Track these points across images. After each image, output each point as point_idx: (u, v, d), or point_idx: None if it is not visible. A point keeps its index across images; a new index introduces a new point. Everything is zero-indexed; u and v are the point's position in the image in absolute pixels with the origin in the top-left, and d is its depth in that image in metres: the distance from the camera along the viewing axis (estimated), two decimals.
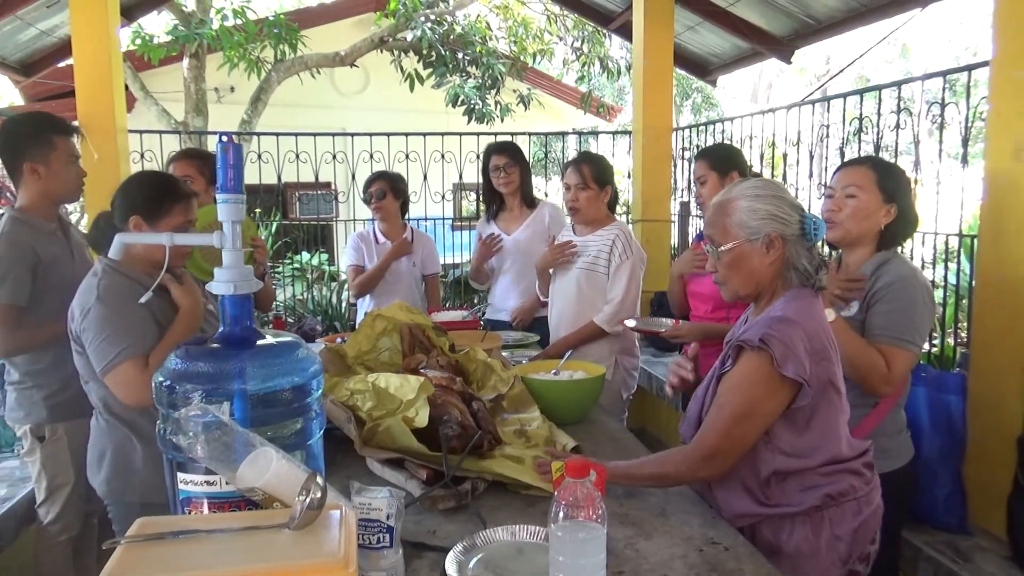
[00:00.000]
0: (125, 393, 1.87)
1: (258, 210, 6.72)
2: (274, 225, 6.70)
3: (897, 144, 3.15)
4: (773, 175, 4.48)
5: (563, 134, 7.24)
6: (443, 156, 5.21)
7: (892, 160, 2.37)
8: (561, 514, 1.03)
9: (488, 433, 1.76)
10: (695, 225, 4.86)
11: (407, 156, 4.99)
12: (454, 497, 1.55)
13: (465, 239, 7.52)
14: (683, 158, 5.12)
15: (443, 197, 5.38)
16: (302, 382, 1.30)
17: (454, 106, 7.55)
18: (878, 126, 3.25)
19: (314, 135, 5.01)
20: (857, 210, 1.93)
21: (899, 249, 2.00)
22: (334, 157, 5.11)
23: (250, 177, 6.34)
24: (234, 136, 1.25)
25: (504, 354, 2.80)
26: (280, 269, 6.71)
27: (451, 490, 1.56)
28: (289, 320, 5.27)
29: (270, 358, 1.30)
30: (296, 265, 6.73)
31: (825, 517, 1.48)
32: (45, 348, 2.18)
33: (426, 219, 5.20)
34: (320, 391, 1.36)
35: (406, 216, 3.72)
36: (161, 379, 1.24)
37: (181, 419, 1.13)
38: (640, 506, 1.59)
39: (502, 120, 7.52)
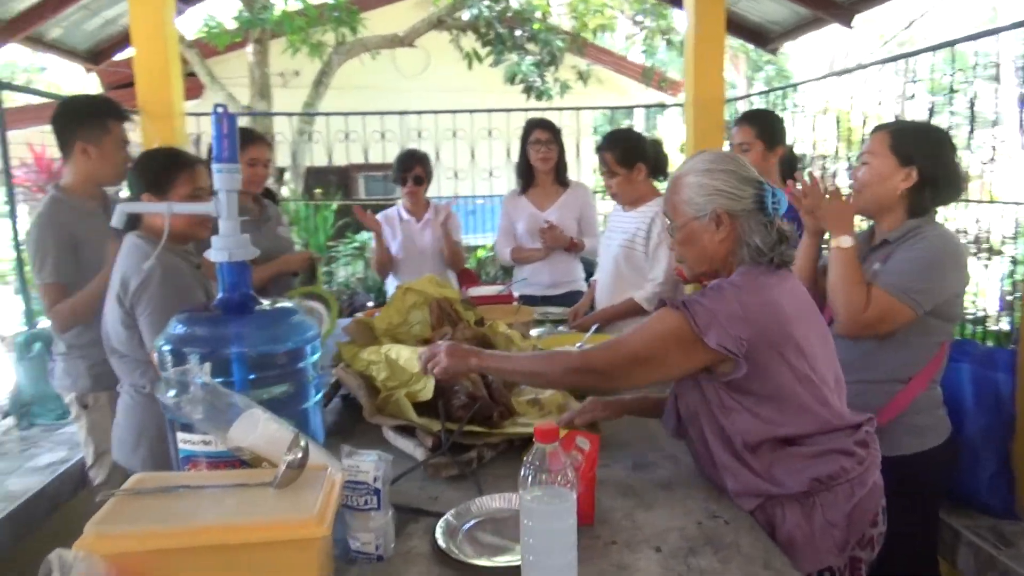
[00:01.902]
0: None
1: (319, 190, 6.87)
2: (334, 205, 6.84)
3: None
4: (849, 147, 4.26)
5: (628, 108, 7.07)
6: (508, 134, 5.18)
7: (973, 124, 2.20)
8: (530, 479, 1.03)
9: (500, 405, 1.76)
10: None
11: (482, 133, 4.97)
12: (457, 465, 1.56)
13: None
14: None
15: (490, 175, 5.36)
16: (296, 347, 1.33)
17: (512, 84, 7.51)
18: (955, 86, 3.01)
19: (374, 114, 5.05)
20: (870, 177, 1.84)
21: (938, 217, 1.88)
22: (385, 135, 5.17)
23: (316, 159, 6.50)
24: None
25: (538, 330, 2.80)
26: (340, 248, 6.86)
27: (455, 458, 1.57)
28: (342, 297, 5.39)
29: (266, 323, 1.34)
30: (356, 244, 6.86)
31: (816, 503, 1.41)
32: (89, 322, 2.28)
33: (490, 196, 5.19)
34: (316, 356, 1.39)
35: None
36: (162, 343, 1.29)
37: (169, 380, 1.17)
38: (646, 478, 1.57)
39: (561, 96, 7.44)
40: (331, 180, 7.53)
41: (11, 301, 4.37)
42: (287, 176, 7.63)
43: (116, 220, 1.34)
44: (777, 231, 1.48)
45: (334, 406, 2.06)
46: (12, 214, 3.36)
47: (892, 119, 3.20)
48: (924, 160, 1.79)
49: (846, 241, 1.77)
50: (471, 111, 5.03)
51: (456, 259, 3.71)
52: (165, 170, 2.00)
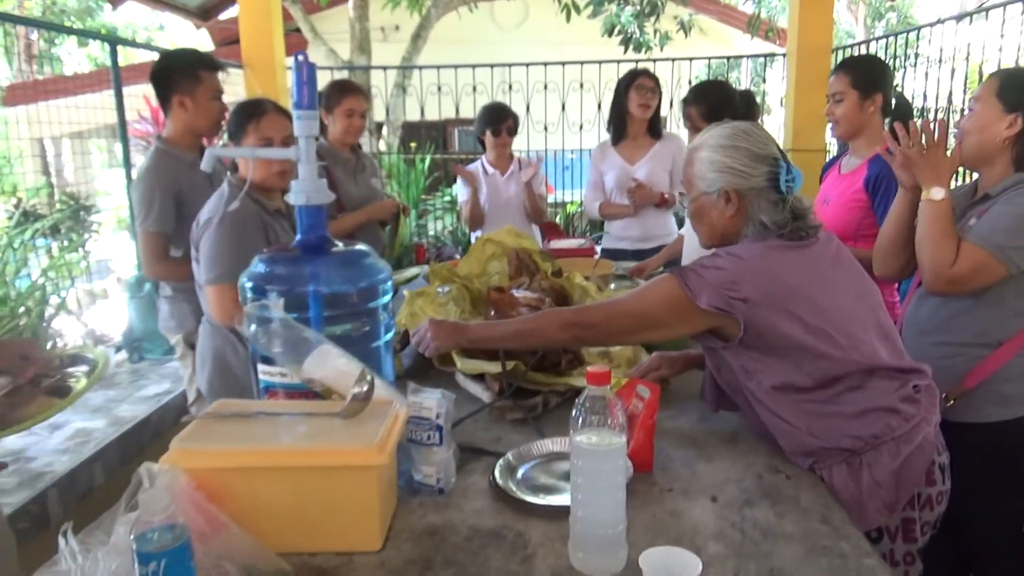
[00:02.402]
0: (212, 310, 2.08)
1: (413, 144, 6.99)
2: (428, 159, 6.96)
3: None
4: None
5: (731, 59, 6.75)
6: (600, 87, 5.10)
7: None
8: (581, 420, 1.05)
9: (568, 353, 1.78)
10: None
11: (545, 87, 4.96)
12: (522, 409, 1.60)
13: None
14: None
15: (580, 128, 5.30)
16: (368, 287, 1.38)
17: (610, 35, 7.34)
18: None
19: (466, 67, 5.08)
20: (973, 124, 1.72)
21: None
22: (477, 89, 5.17)
23: (412, 114, 6.60)
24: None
25: (616, 284, 2.79)
26: (433, 202, 6.98)
27: (520, 402, 1.61)
28: (430, 249, 5.51)
29: (340, 264, 1.40)
30: (448, 198, 6.97)
31: (863, 462, 1.36)
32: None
33: (581, 151, 5.14)
34: (387, 298, 1.44)
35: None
36: (245, 280, 1.37)
37: (249, 314, 1.25)
38: (711, 430, 1.56)
39: (661, 48, 7.22)
40: (426, 134, 7.64)
41: (129, 245, 4.70)
42: (384, 131, 7.80)
43: (205, 164, 1.43)
44: (791, 209, 1.44)
45: (410, 351, 2.12)
46: (127, 164, 3.60)
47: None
48: None
49: (937, 193, 1.67)
50: (562, 63, 4.97)
51: (537, 213, 3.72)
52: (240, 121, 2.11)
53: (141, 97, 5.31)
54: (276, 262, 1.38)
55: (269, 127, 2.11)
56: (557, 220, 6.06)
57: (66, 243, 3.84)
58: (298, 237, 1.41)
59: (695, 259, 1.51)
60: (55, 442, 2.48)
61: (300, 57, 1.35)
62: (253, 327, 1.27)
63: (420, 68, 6.02)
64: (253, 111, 2.12)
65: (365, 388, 1.20)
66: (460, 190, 3.80)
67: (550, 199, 6.98)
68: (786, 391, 1.41)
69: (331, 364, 1.25)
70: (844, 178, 2.34)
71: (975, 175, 1.88)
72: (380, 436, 1.13)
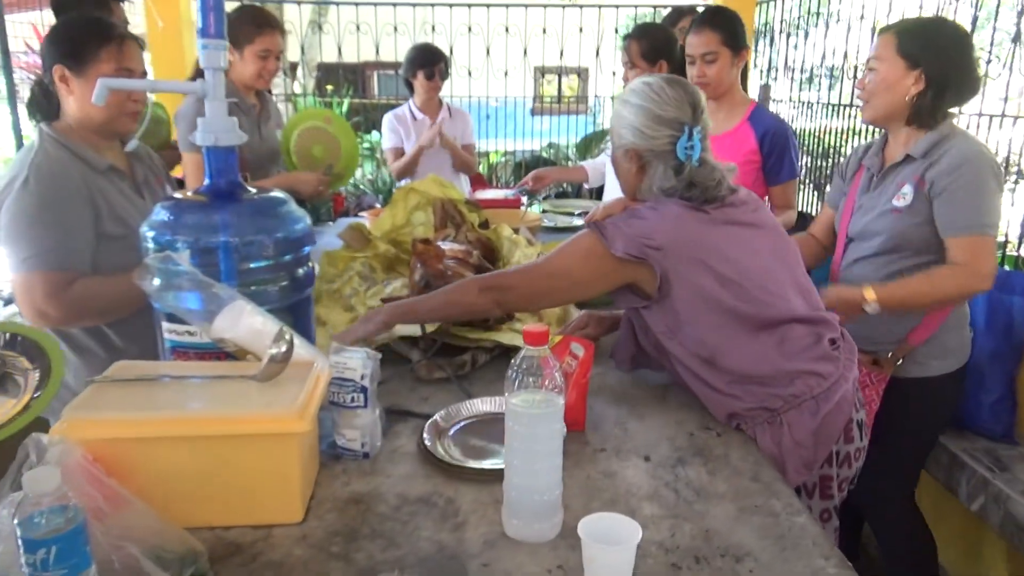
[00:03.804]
0: (20, 304, 1.58)
1: (329, 87, 6.69)
2: (346, 103, 6.68)
3: None
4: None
5: (656, 7, 6.67)
6: (526, 32, 4.96)
7: None
8: (517, 382, 0.99)
9: None
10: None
11: (469, 30, 4.79)
12: (449, 367, 1.54)
13: (544, 125, 7.33)
14: (765, 36, 4.71)
15: (506, 75, 5.17)
16: (285, 236, 1.28)
17: None
18: None
19: (388, 4, 4.82)
20: (876, 84, 1.72)
21: (957, 123, 1.76)
22: (398, 29, 4.95)
23: (328, 55, 6.27)
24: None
25: (544, 238, 2.74)
26: None
27: (448, 360, 1.55)
28: (349, 198, 5.32)
29: (254, 212, 1.28)
30: (368, 145, 6.73)
31: (783, 421, 1.37)
32: None
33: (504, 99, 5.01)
34: (307, 249, 1.34)
35: None
36: (146, 229, 1.24)
37: (150, 267, 1.13)
38: (641, 388, 1.54)
39: None
40: (344, 77, 7.32)
41: None
42: (299, 72, 7.43)
43: (96, 97, 1.26)
44: (687, 177, 1.39)
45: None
46: (11, 100, 3.26)
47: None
48: (933, 61, 1.65)
49: (872, 308, 1.67)
50: (487, 5, 4.80)
51: (467, 165, 3.62)
52: (85, 40, 1.60)
53: (28, 25, 4.85)
54: (182, 210, 1.26)
55: (132, 56, 1.64)
56: (480, 170, 5.95)
57: None
58: (206, 182, 1.29)
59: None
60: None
61: None
62: (157, 281, 1.16)
63: (338, 4, 5.70)
64: (106, 32, 1.62)
65: (283, 348, 1.10)
66: (386, 136, 3.64)
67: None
68: (704, 351, 1.39)
69: (245, 322, 1.15)
70: (722, 139, 2.24)
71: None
72: (300, 401, 1.04)
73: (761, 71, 4.95)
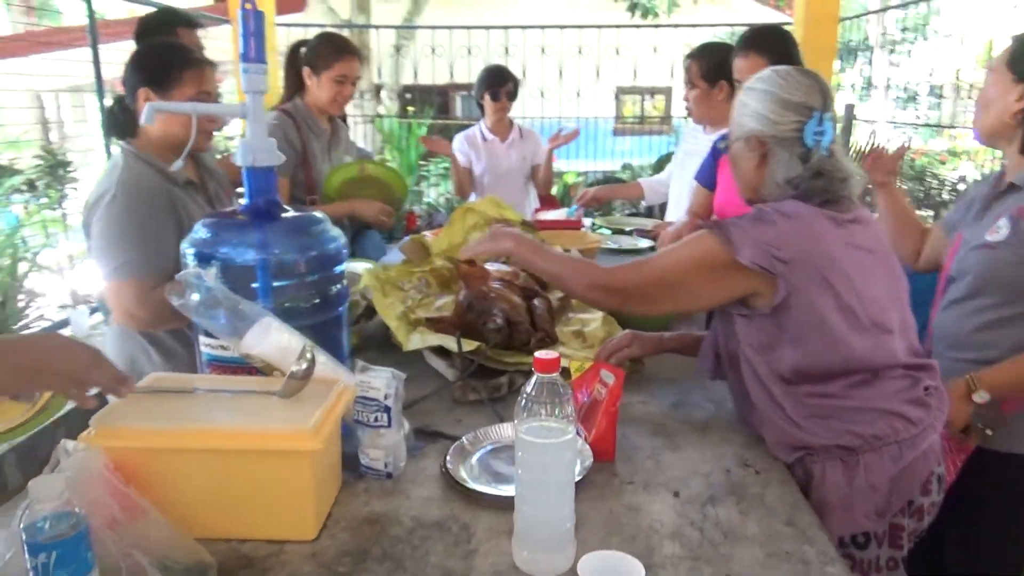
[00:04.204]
0: (114, 310, 1.73)
1: (411, 108, 6.85)
2: (426, 124, 6.81)
3: None
4: None
5: (735, 26, 6.55)
6: (599, 52, 4.96)
7: None
8: (526, 410, 0.96)
9: (540, 331, 1.70)
10: (856, 132, 4.33)
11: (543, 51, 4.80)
12: (485, 389, 1.52)
13: (627, 145, 7.26)
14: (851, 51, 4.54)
15: (578, 95, 5.16)
16: (319, 255, 1.30)
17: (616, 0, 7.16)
18: None
19: (466, 28, 4.92)
20: (987, 96, 1.59)
21: None
22: (472, 52, 5.02)
23: (411, 76, 6.44)
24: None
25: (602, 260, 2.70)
26: (430, 168, 6.86)
27: (485, 382, 1.54)
28: (420, 215, 5.39)
29: (290, 231, 1.31)
30: (446, 164, 6.83)
31: (860, 462, 1.28)
32: None
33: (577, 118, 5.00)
34: (341, 267, 1.36)
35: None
36: (187, 245, 1.28)
37: (188, 283, 1.16)
38: (682, 419, 1.48)
39: (668, 14, 7.05)
40: (428, 99, 7.49)
41: None
42: (382, 94, 7.64)
43: (146, 118, 1.32)
44: (814, 166, 1.32)
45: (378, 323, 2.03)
46: (103, 123, 3.47)
47: None
48: None
49: (980, 397, 1.49)
50: (561, 27, 4.81)
51: (549, 185, 3.65)
52: (169, 65, 1.73)
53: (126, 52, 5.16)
54: (221, 228, 1.29)
55: (210, 80, 1.78)
56: (554, 192, 5.94)
57: (43, 200, 3.74)
58: (245, 201, 1.32)
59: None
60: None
61: (248, 5, 1.25)
62: (195, 296, 1.19)
63: (418, 28, 5.86)
64: (189, 58, 1.78)
65: (304, 366, 1.11)
66: (456, 156, 3.70)
67: None
68: (794, 378, 1.31)
69: (272, 339, 1.17)
70: None
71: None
72: (316, 419, 1.05)
73: (853, 88, 4.78)
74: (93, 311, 3.52)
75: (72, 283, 3.78)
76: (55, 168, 3.70)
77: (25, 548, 0.79)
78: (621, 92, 9.86)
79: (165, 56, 1.77)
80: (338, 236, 1.35)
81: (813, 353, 1.30)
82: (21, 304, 3.30)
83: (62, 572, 0.80)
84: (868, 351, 1.30)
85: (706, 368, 1.50)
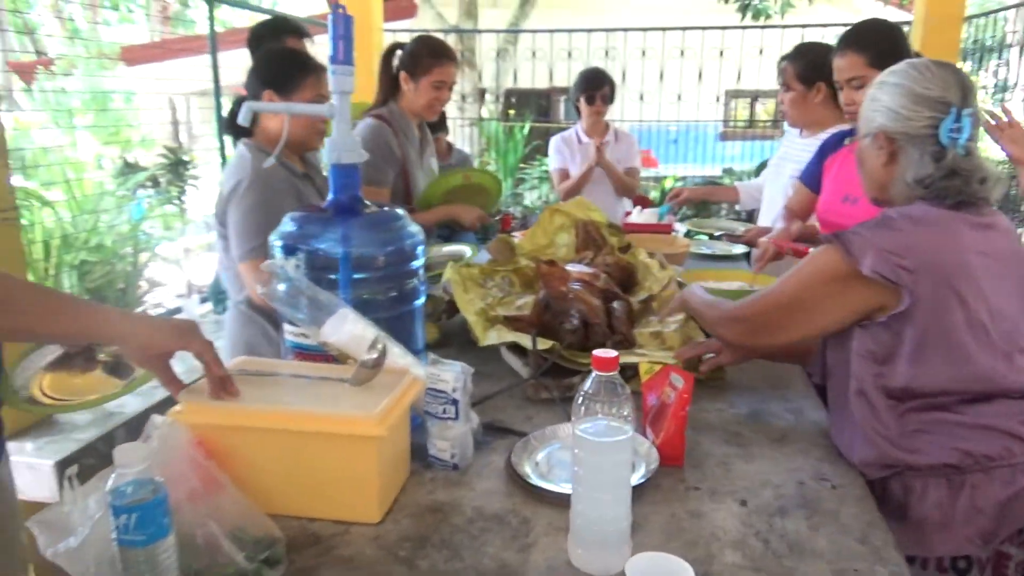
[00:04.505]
0: (250, 288, 1.90)
1: (511, 111, 6.92)
2: (527, 127, 6.87)
3: None
4: None
5: (842, 25, 6.30)
6: (701, 55, 4.88)
7: None
8: (583, 408, 0.97)
9: (617, 333, 1.69)
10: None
11: (643, 53, 4.75)
12: (557, 388, 1.53)
13: (735, 150, 7.07)
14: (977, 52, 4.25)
15: (679, 98, 5.08)
16: (397, 250, 1.34)
17: (726, 1, 6.98)
18: None
19: (567, 31, 4.94)
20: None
21: None
22: (572, 55, 5.05)
23: (514, 80, 6.52)
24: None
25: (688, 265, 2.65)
26: (530, 171, 6.91)
27: (557, 381, 1.54)
28: (516, 216, 5.44)
29: (371, 226, 1.36)
30: (545, 167, 6.87)
31: (967, 483, 1.20)
32: None
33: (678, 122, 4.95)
34: (419, 262, 1.40)
35: None
36: (275, 238, 1.36)
37: (275, 273, 1.23)
38: (759, 429, 1.43)
39: (782, 15, 6.80)
40: (531, 102, 7.57)
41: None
42: (487, 97, 7.77)
43: (242, 119, 1.41)
44: (948, 165, 1.24)
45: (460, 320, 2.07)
46: (219, 125, 3.70)
47: None
48: None
49: None
50: (663, 29, 4.75)
51: (626, 188, 3.61)
52: (291, 70, 1.92)
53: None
54: (306, 222, 1.36)
55: (327, 84, 1.85)
56: (652, 196, 5.87)
57: (164, 195, 4.05)
58: (330, 197, 1.38)
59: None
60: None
61: (340, 9, 1.31)
62: (280, 286, 1.26)
63: (522, 32, 5.92)
64: (310, 64, 1.97)
65: (375, 356, 1.16)
66: (552, 158, 3.73)
67: (649, 172, 6.79)
68: (903, 395, 1.25)
69: (347, 329, 1.22)
70: None
71: None
72: (383, 407, 1.09)
73: (986, 90, 4.49)
74: (203, 300, 3.77)
75: (187, 274, 4.06)
76: (176, 166, 4.00)
77: (111, 510, 0.87)
78: (731, 96, 9.61)
79: (287, 62, 1.96)
80: (416, 233, 1.39)
81: (932, 371, 1.23)
82: (141, 291, 3.57)
83: (141, 533, 0.86)
84: (994, 371, 1.22)
85: (816, 375, 1.46)
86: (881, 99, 1.30)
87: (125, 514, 0.85)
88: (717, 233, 3.08)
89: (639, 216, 2.92)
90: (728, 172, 6.34)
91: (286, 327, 1.35)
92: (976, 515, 1.19)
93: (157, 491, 0.88)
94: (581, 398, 0.97)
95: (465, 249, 2.57)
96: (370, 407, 1.08)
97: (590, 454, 0.97)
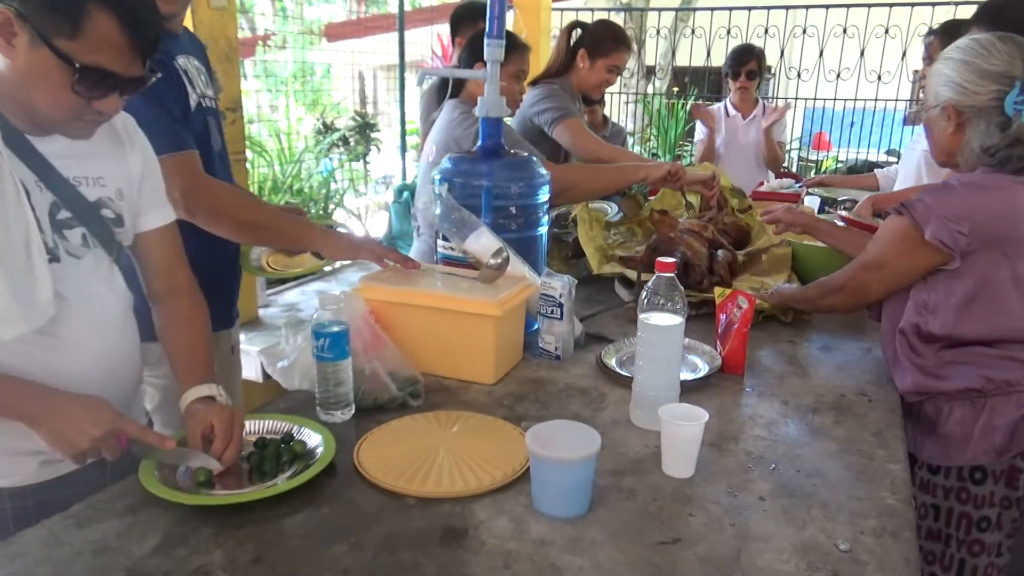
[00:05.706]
0: None
1: (675, 88, 7.05)
2: (689, 104, 6.98)
3: None
4: None
5: None
6: (887, 31, 4.79)
7: None
8: (647, 300, 1.27)
9: (716, 275, 1.95)
10: None
11: (844, 31, 4.68)
12: None
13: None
14: None
15: (879, 79, 4.98)
16: (524, 186, 1.70)
17: None
18: None
19: (741, 9, 5.00)
20: None
21: None
22: (765, 31, 5.05)
23: (684, 58, 6.64)
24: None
25: None
26: (690, 148, 7.02)
27: None
28: None
29: (508, 166, 1.72)
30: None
31: (987, 405, 1.38)
32: None
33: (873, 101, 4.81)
34: (543, 197, 1.74)
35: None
36: (435, 172, 1.75)
37: (434, 199, 1.62)
38: (826, 359, 1.66)
39: None
40: (700, 79, 7.64)
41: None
42: (656, 74, 7.93)
43: (419, 81, 1.81)
44: (1013, 135, 1.39)
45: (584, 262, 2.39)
46: (401, 95, 4.22)
47: None
48: None
49: None
50: (826, 6, 4.73)
51: (774, 161, 3.75)
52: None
53: (433, 36, 6.05)
54: (460, 161, 1.74)
55: (527, 61, 2.31)
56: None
57: (352, 153, 4.68)
58: (480, 143, 1.76)
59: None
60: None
61: None
62: (437, 209, 1.66)
63: (695, 11, 6.03)
64: (522, 44, 2.30)
65: (499, 260, 1.52)
66: (698, 128, 3.94)
67: (819, 155, 6.67)
68: (944, 340, 1.45)
69: (483, 242, 1.60)
70: None
71: None
72: (502, 297, 1.45)
73: None
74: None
75: (366, 227, 4.68)
76: (363, 128, 4.60)
77: (312, 335, 1.29)
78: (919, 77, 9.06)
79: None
80: (545, 175, 1.74)
81: (973, 321, 1.42)
82: None
83: (331, 352, 1.28)
84: None
85: (873, 313, 1.67)
86: (947, 74, 1.43)
87: (322, 338, 1.27)
88: (842, 198, 3.17)
89: (771, 185, 3.08)
90: (893, 153, 6.13)
91: (440, 242, 1.75)
92: (991, 432, 1.38)
93: (342, 327, 1.30)
94: (646, 294, 1.28)
95: (610, 206, 2.87)
96: (493, 296, 1.45)
97: (650, 335, 1.28)
